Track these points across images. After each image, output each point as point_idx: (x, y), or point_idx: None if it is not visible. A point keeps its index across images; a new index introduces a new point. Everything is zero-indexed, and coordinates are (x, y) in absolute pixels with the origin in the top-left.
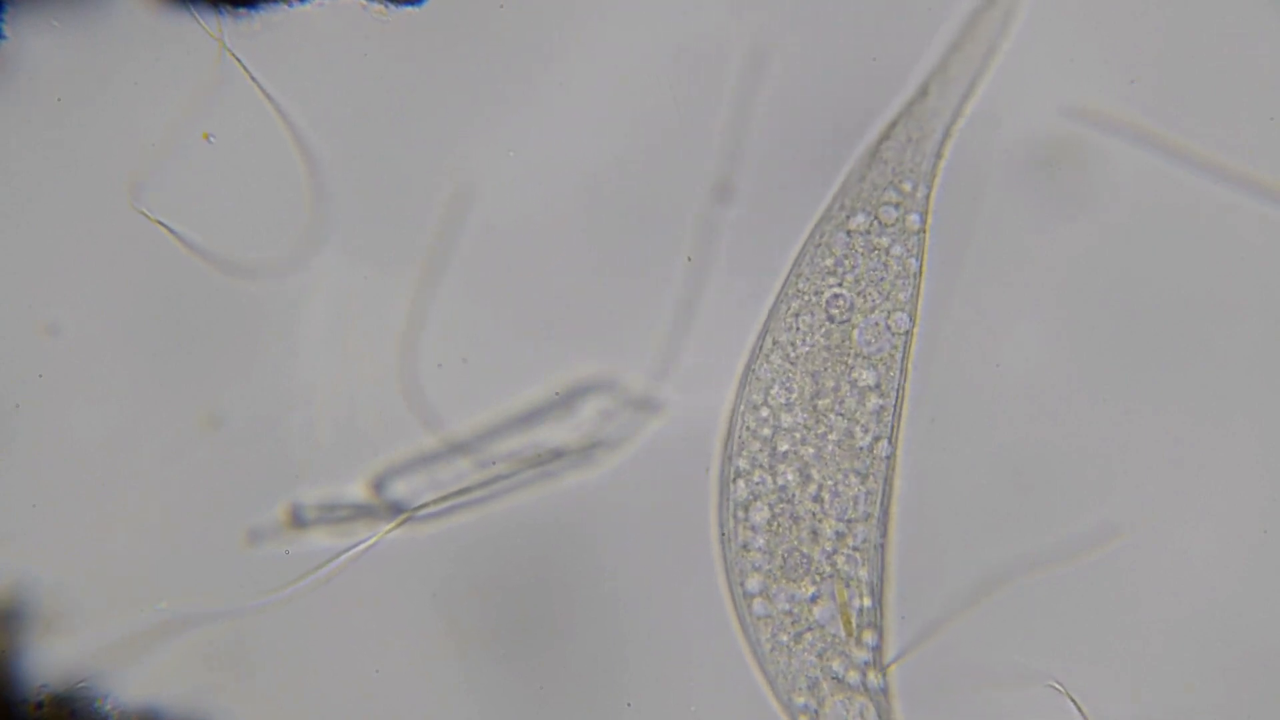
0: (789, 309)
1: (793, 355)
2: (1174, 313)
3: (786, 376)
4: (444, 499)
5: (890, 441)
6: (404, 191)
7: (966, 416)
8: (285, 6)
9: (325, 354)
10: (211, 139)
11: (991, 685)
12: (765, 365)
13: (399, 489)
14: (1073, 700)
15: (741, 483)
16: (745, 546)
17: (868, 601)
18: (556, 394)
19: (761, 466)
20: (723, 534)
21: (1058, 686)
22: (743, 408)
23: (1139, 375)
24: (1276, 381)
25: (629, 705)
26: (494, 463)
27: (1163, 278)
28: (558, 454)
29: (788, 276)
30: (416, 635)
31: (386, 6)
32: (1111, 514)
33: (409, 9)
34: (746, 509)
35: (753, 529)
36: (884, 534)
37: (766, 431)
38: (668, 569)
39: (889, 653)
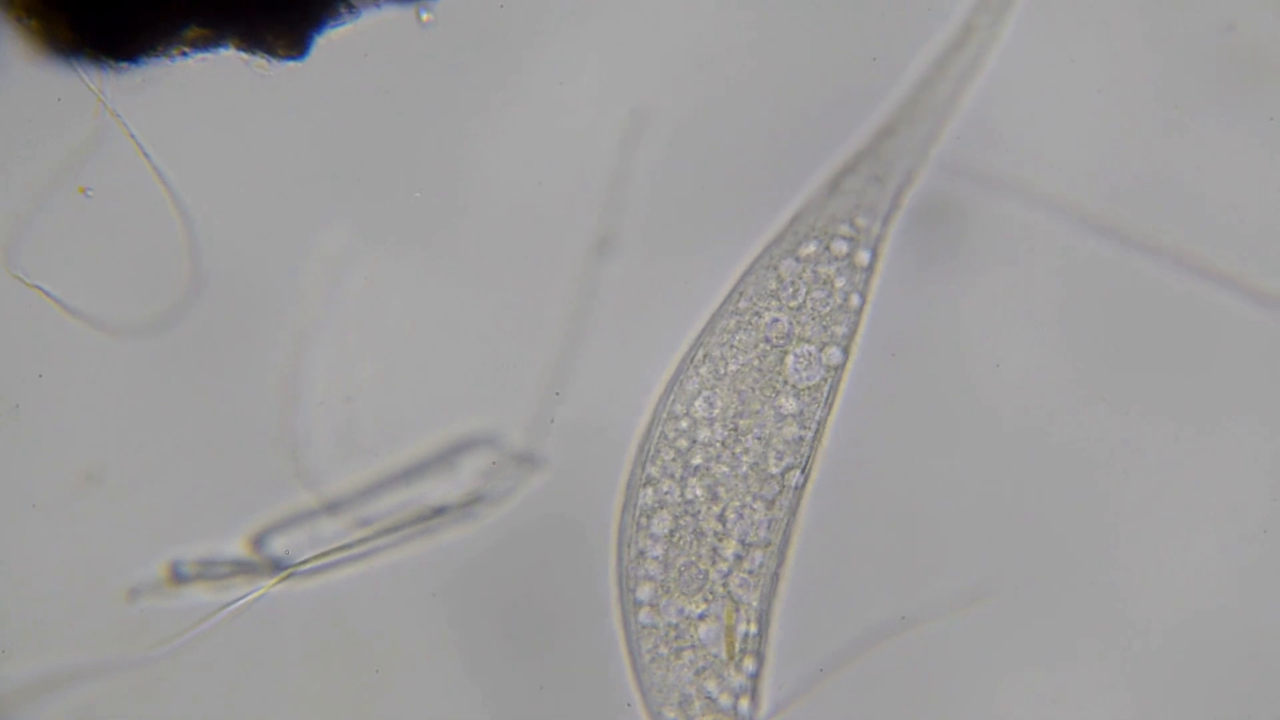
0: (726, 325)
1: (722, 371)
2: (1174, 313)
3: (713, 391)
4: (324, 555)
5: (803, 472)
6: (281, 248)
7: (877, 460)
8: (167, 61)
9: (208, 410)
10: (89, 193)
11: None
12: (694, 377)
13: (279, 545)
14: None
15: (650, 490)
16: (642, 554)
17: (754, 628)
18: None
19: (672, 477)
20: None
21: None
22: (664, 415)
23: (1138, 376)
24: (1276, 382)
25: (629, 705)
26: (374, 520)
27: (1162, 279)
28: (439, 510)
29: (730, 293)
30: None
31: (268, 61)
32: (1111, 514)
33: (291, 64)
34: (650, 517)
35: (652, 538)
36: (781, 562)
37: (683, 443)
38: (564, 569)
39: (766, 681)
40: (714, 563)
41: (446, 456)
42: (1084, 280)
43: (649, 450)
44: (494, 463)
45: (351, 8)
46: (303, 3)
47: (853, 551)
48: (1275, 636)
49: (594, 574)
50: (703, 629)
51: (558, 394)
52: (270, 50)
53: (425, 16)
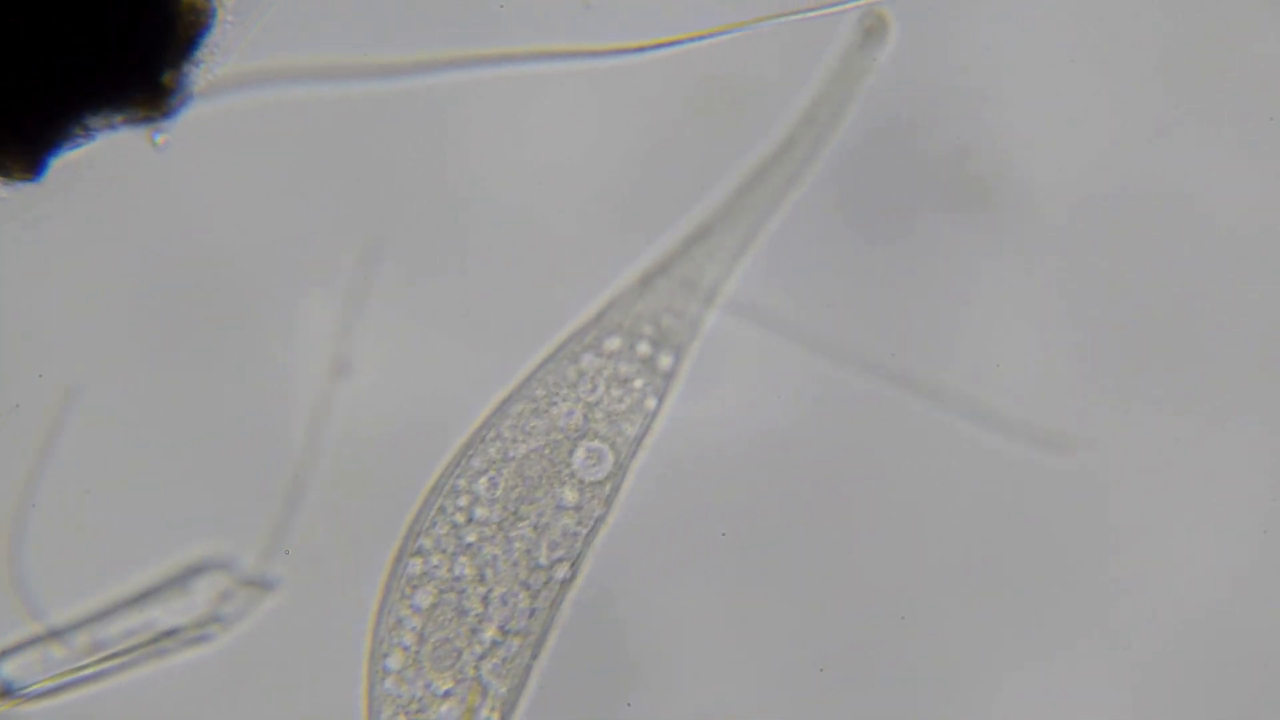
0: (520, 409)
1: (510, 454)
2: (1174, 314)
3: (498, 472)
4: (55, 679)
5: (573, 567)
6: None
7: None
8: None
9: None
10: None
11: None
12: (480, 455)
13: (9, 669)
14: None
15: (419, 561)
16: (400, 623)
17: (495, 717)
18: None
19: (444, 551)
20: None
21: None
22: (446, 488)
23: (1139, 376)
24: (1276, 382)
25: (629, 705)
26: (107, 643)
27: (1162, 281)
28: (171, 633)
29: (529, 377)
30: None
31: (2, 183)
32: (1111, 514)
33: (26, 186)
34: (415, 587)
35: (414, 609)
36: (536, 655)
37: (460, 518)
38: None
39: None
40: (470, 643)
41: (179, 579)
42: (1084, 280)
43: (425, 521)
44: (227, 585)
45: (88, 131)
46: (38, 126)
47: (607, 656)
48: (1275, 636)
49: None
50: (444, 707)
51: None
52: (5, 172)
53: (160, 139)
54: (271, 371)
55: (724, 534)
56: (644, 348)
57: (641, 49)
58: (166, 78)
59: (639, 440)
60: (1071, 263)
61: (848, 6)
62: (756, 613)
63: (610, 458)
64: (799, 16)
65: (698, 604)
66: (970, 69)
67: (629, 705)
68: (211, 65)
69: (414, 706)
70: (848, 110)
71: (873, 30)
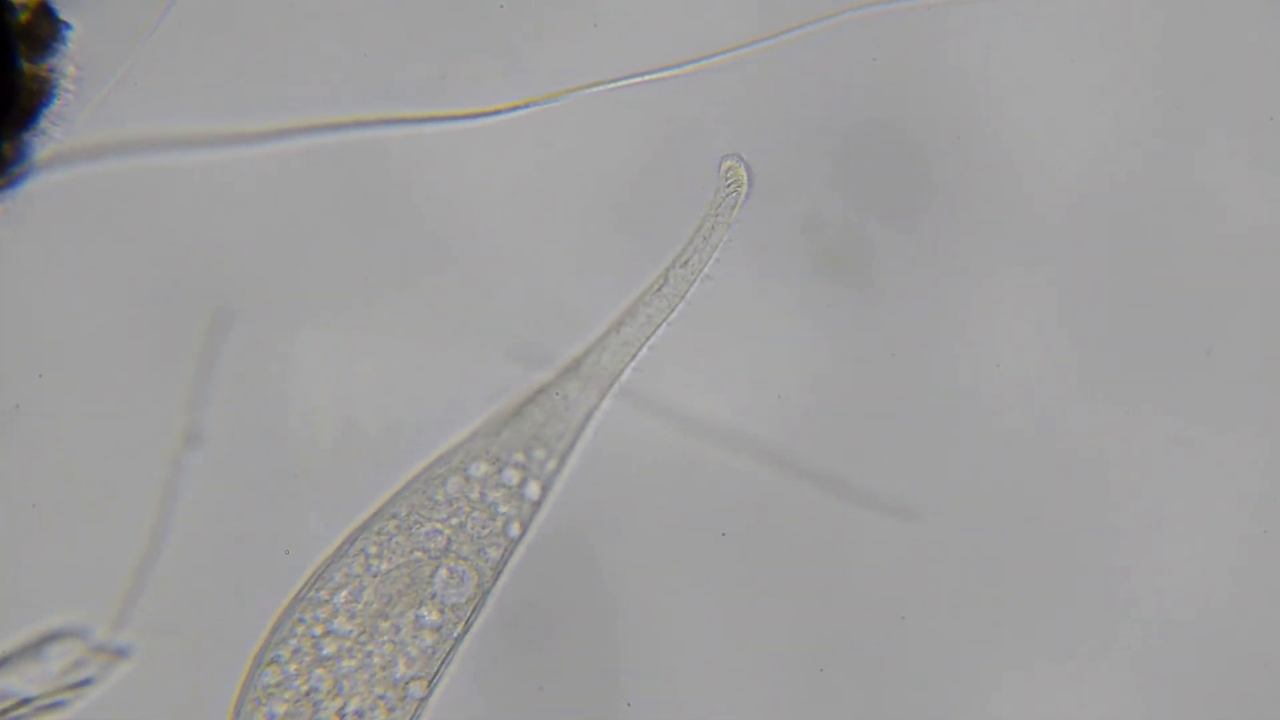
0: (386, 526)
1: (374, 569)
2: (1174, 314)
3: (360, 585)
4: None
5: (430, 684)
6: None
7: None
8: None
9: None
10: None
11: None
12: (344, 568)
13: None
14: None
15: (275, 670)
16: None
17: None
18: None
19: (300, 661)
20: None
21: None
22: (309, 595)
23: (1138, 376)
24: (1277, 382)
25: (629, 705)
26: None
27: (1162, 281)
28: (24, 701)
29: (397, 493)
30: None
31: None
32: (1111, 514)
33: None
34: (269, 696)
35: (268, 717)
36: None
37: (318, 629)
38: None
39: None
40: None
41: (32, 647)
42: (1085, 280)
43: (284, 630)
44: (81, 654)
45: None
46: None
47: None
48: (1275, 636)
49: None
50: None
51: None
52: None
53: None
54: (109, 440)
55: (724, 534)
56: (510, 476)
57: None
58: (6, 148)
59: (499, 564)
60: (1071, 262)
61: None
62: (756, 613)
63: (468, 581)
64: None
65: (697, 604)
66: (970, 68)
67: (629, 705)
68: (54, 135)
69: None
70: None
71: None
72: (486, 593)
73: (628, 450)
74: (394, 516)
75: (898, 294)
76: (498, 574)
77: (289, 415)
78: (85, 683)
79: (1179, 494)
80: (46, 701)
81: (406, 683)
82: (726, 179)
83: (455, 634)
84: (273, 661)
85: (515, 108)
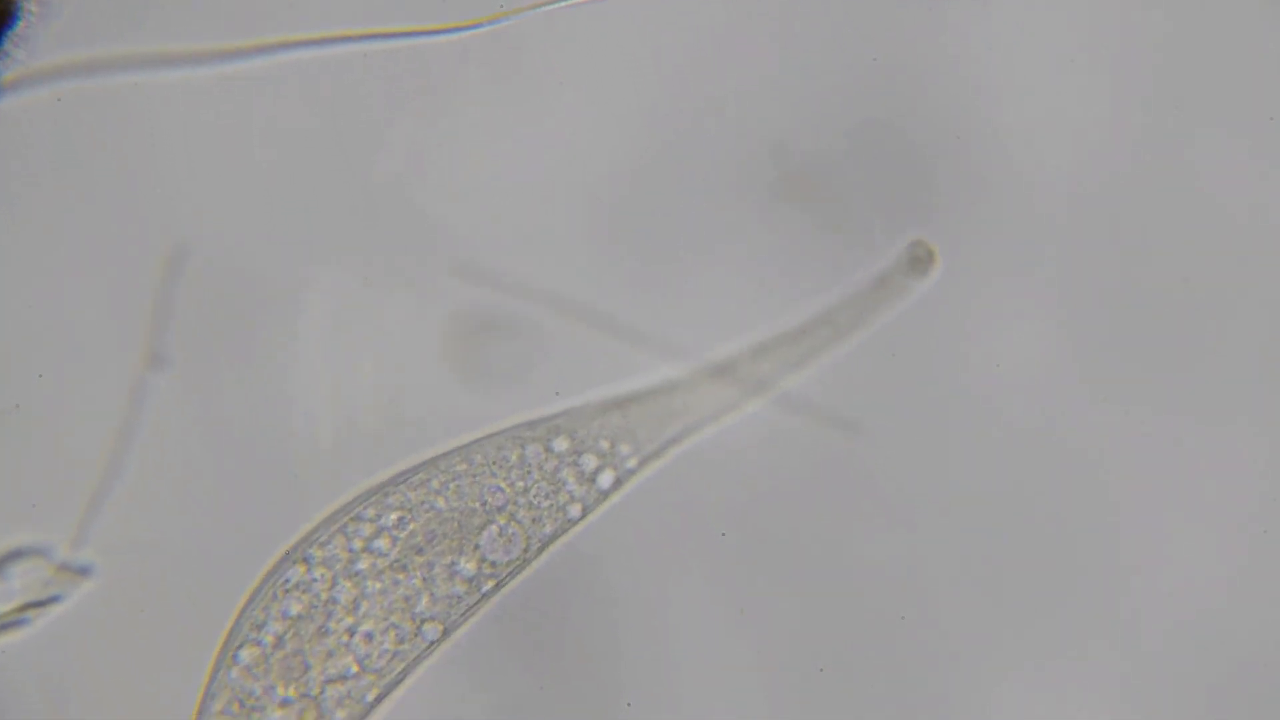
0: (455, 467)
1: (429, 505)
2: (1174, 314)
3: (411, 514)
4: None
5: (445, 629)
6: None
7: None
8: None
9: None
10: None
11: None
12: (403, 494)
13: None
14: None
15: (302, 569)
16: (261, 626)
17: None
18: None
19: (330, 568)
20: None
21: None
22: (358, 508)
23: (1139, 375)
24: (1277, 382)
25: (629, 705)
26: None
27: (1162, 280)
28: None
29: (478, 439)
30: None
31: None
32: (1111, 514)
33: None
34: (286, 592)
35: (282, 614)
36: (381, 699)
37: (358, 544)
38: None
39: None
40: (324, 665)
41: None
42: (1085, 279)
43: (324, 534)
44: (44, 571)
45: None
46: None
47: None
48: (1275, 636)
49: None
50: (278, 713)
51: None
52: None
53: None
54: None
55: (724, 534)
56: (589, 462)
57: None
58: None
59: (549, 540)
60: (1071, 262)
61: None
62: (756, 613)
63: (514, 544)
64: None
65: (697, 603)
66: (970, 68)
67: (629, 705)
68: (17, 58)
69: (250, 702)
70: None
71: (918, 260)
72: (528, 562)
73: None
74: (467, 460)
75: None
76: (543, 548)
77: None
78: (54, 600)
79: (1179, 494)
80: (8, 619)
81: (423, 621)
82: (915, 258)
83: (485, 590)
84: (303, 560)
85: (483, 23)
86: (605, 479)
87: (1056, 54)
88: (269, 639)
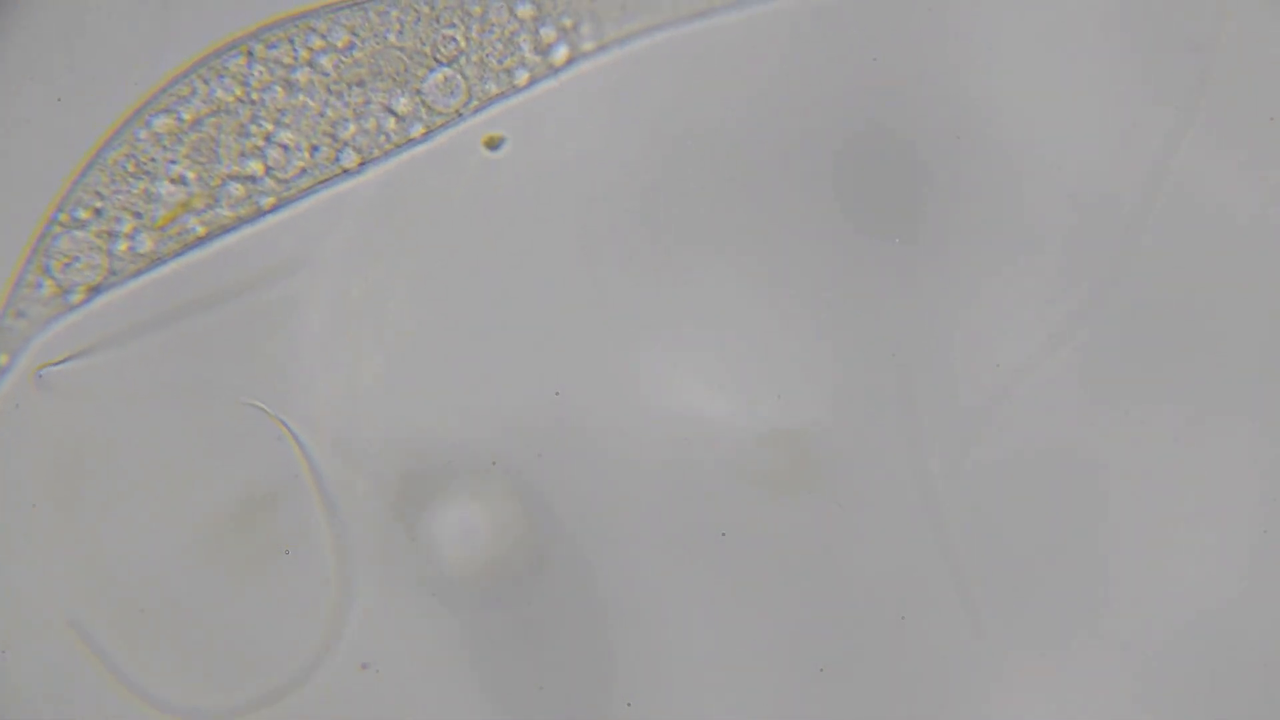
0: (414, 9)
1: (381, 35)
2: (1173, 313)
3: (360, 41)
4: None
5: (363, 162)
6: None
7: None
8: None
9: None
10: None
11: None
12: (360, 19)
13: None
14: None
15: (243, 59)
16: (183, 99)
17: (204, 233)
18: None
19: (268, 70)
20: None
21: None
22: (317, 24)
23: (1139, 375)
24: (1277, 382)
25: (629, 705)
26: None
27: (1162, 280)
28: None
29: None
30: None
31: None
32: (1110, 514)
33: None
34: (218, 76)
35: (209, 97)
36: (276, 209)
37: (304, 54)
38: None
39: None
40: (234, 161)
41: None
42: (1084, 279)
43: (279, 36)
44: None
45: None
46: None
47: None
48: (1275, 636)
49: None
50: (169, 187)
51: None
52: None
53: None
54: None
55: (723, 534)
56: (549, 33)
57: None
58: None
59: (487, 97)
60: (1070, 262)
61: None
62: (756, 613)
63: (453, 93)
64: None
65: (697, 603)
66: (969, 68)
67: (629, 705)
68: None
69: (147, 165)
70: None
71: None
72: (461, 119)
73: (628, 450)
74: (430, 3)
75: (898, 294)
76: (480, 108)
77: None
78: None
79: (1179, 494)
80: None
81: (344, 146)
82: None
83: (412, 134)
84: (247, 54)
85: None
86: (558, 54)
87: (1056, 54)
88: (188, 116)
